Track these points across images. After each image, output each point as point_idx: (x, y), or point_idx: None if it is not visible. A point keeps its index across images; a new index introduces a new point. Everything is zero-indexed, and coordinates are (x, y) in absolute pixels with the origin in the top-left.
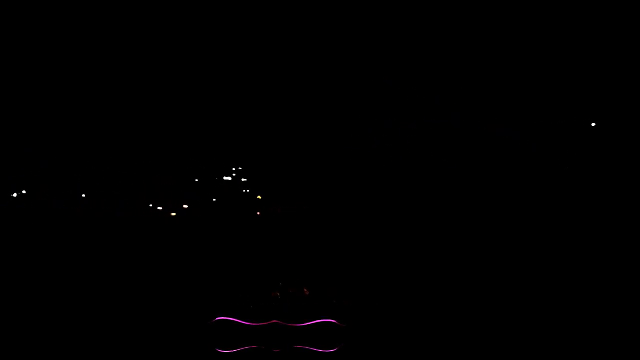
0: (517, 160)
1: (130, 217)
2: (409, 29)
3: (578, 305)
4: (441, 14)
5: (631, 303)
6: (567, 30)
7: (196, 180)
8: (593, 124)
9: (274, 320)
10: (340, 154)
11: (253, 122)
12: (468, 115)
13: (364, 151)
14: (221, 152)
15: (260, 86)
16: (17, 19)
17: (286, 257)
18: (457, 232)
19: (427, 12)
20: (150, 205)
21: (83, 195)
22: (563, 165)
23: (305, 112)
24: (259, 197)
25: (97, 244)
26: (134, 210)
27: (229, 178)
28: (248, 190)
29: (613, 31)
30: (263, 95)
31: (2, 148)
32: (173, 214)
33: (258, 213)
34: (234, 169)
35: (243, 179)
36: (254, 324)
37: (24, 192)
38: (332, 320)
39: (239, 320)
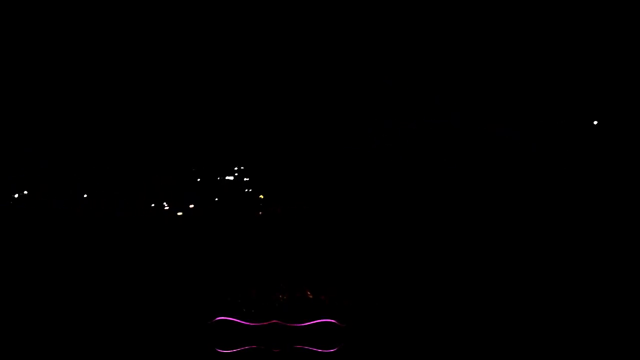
0: (517, 160)
1: (130, 217)
2: (408, 29)
3: (578, 304)
4: (441, 14)
5: (631, 303)
6: (567, 30)
7: (196, 180)
8: (595, 122)
9: (274, 320)
10: (340, 154)
11: (253, 122)
12: (468, 115)
13: (364, 151)
14: (221, 152)
15: (260, 86)
16: (17, 19)
17: (286, 257)
18: (457, 232)
19: (426, 12)
20: (151, 205)
21: (84, 196)
22: (564, 164)
23: (305, 112)
24: (261, 196)
25: (97, 244)
26: (134, 210)
27: (229, 178)
28: (248, 190)
29: (613, 31)
30: (263, 95)
31: (2, 148)
32: (179, 213)
33: (260, 213)
34: (234, 169)
35: (243, 179)
36: (254, 324)
37: (24, 192)
38: (332, 320)
39: (239, 320)
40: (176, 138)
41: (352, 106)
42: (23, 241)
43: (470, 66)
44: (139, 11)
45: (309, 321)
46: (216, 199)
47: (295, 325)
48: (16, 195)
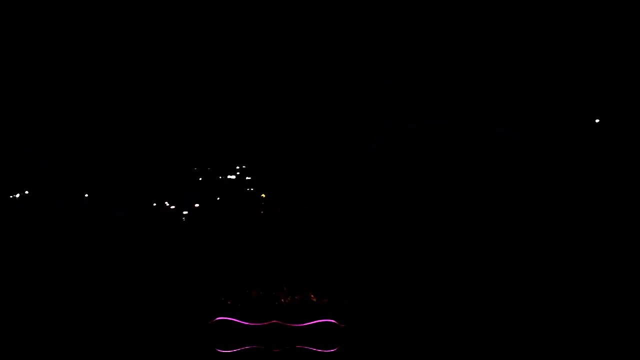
0: (517, 160)
1: (130, 217)
2: (408, 29)
3: (577, 303)
4: (441, 14)
5: (630, 302)
6: (567, 30)
7: (195, 180)
8: (597, 120)
9: (274, 321)
10: (340, 154)
11: (253, 123)
12: (468, 115)
13: (364, 151)
14: (221, 152)
15: (260, 86)
16: (17, 19)
17: (287, 257)
18: (456, 231)
19: (426, 12)
20: (151, 205)
21: (83, 195)
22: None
23: (306, 112)
24: (263, 194)
25: (97, 244)
26: (134, 210)
27: (229, 178)
28: (248, 191)
29: (613, 32)
30: (263, 96)
31: (2, 148)
32: (185, 212)
33: (262, 212)
34: (234, 169)
35: (243, 179)
36: (254, 324)
37: (24, 192)
38: (332, 320)
39: (239, 321)
40: (176, 138)
41: (352, 106)
42: (23, 241)
43: (470, 66)
44: (139, 12)
45: (309, 321)
46: (216, 199)
47: (295, 325)
48: (17, 195)
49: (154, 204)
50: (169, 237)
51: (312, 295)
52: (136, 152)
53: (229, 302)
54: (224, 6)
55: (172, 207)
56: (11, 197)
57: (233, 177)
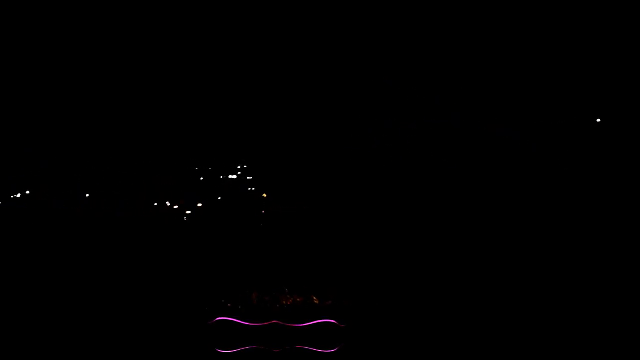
0: (517, 160)
1: (130, 217)
2: (408, 29)
3: (577, 303)
4: (441, 14)
5: (630, 302)
6: (567, 30)
7: (195, 181)
8: (598, 120)
9: (274, 321)
10: (340, 154)
11: (252, 123)
12: (468, 115)
13: (364, 151)
14: (221, 152)
15: (260, 87)
16: (17, 19)
17: (287, 257)
18: (456, 232)
19: (426, 12)
20: (151, 205)
21: (83, 195)
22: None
23: (306, 112)
24: (264, 194)
25: (97, 244)
26: (134, 210)
27: (229, 178)
28: (248, 191)
29: (612, 32)
30: (263, 96)
31: (2, 148)
32: (185, 212)
33: (262, 212)
34: (234, 169)
35: (243, 180)
36: (254, 324)
37: (25, 192)
38: (332, 321)
39: (239, 321)
40: (176, 139)
41: (352, 106)
42: (23, 241)
43: (470, 66)
44: (138, 12)
45: (309, 321)
46: (216, 199)
47: (295, 325)
48: (17, 195)
49: (154, 204)
50: (169, 237)
51: (314, 298)
52: (136, 152)
53: (229, 305)
54: (224, 6)
55: (172, 207)
56: (11, 197)
57: (233, 177)
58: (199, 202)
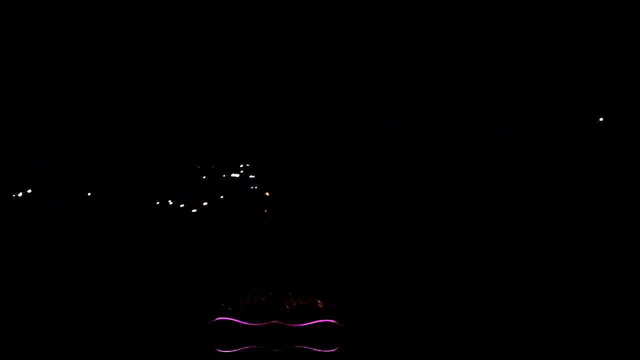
0: (517, 160)
1: (130, 217)
2: (408, 29)
3: (577, 304)
4: (441, 14)
5: (630, 302)
6: (567, 30)
7: (195, 181)
8: (601, 119)
9: (274, 321)
10: (340, 154)
11: (252, 123)
12: (468, 115)
13: (364, 151)
14: (221, 153)
15: (260, 87)
16: (17, 19)
17: (287, 257)
18: (456, 232)
19: (426, 12)
20: (151, 205)
21: (84, 195)
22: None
23: (306, 112)
24: (267, 193)
25: (97, 244)
26: (134, 210)
27: (229, 178)
28: (248, 191)
29: (612, 32)
30: (263, 96)
31: (2, 148)
32: (185, 212)
33: (264, 212)
34: (234, 169)
35: (243, 180)
36: (254, 324)
37: (24, 192)
38: (332, 321)
39: (239, 321)
40: (176, 139)
41: (352, 106)
42: (23, 241)
43: (469, 66)
44: (138, 12)
45: (309, 321)
46: (216, 200)
47: (295, 325)
48: (17, 195)
49: (154, 204)
50: (169, 237)
51: (319, 302)
52: (136, 152)
53: (229, 309)
54: (224, 6)
55: (173, 207)
56: (11, 196)
57: (233, 177)
58: (199, 202)
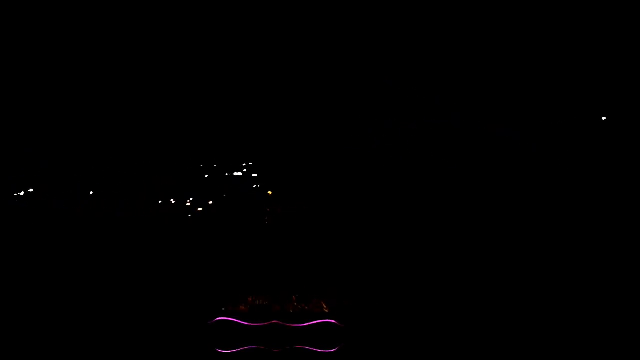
0: (517, 160)
1: (130, 217)
2: (408, 29)
3: (577, 304)
4: (441, 15)
5: (631, 302)
6: (567, 31)
7: (195, 181)
8: (604, 118)
9: (274, 321)
10: (341, 154)
11: (252, 123)
12: (468, 115)
13: (364, 151)
14: (220, 153)
15: (261, 87)
16: (17, 19)
17: (287, 258)
18: (456, 232)
19: (426, 13)
20: (151, 205)
21: (84, 195)
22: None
23: (306, 112)
24: (269, 192)
25: (97, 244)
26: (134, 210)
27: (229, 179)
28: (247, 192)
29: (612, 33)
30: (263, 96)
31: (2, 148)
32: (188, 212)
33: (265, 211)
34: (234, 169)
35: (243, 180)
36: (254, 324)
37: (25, 192)
38: (332, 321)
39: (239, 321)
40: (176, 139)
41: (352, 106)
42: (24, 240)
43: (469, 66)
44: (139, 12)
45: (309, 321)
46: (216, 200)
47: (295, 325)
48: (17, 195)
49: (154, 204)
50: (169, 237)
51: (324, 305)
52: (136, 152)
53: (230, 308)
54: (225, 6)
55: (172, 207)
56: (11, 197)
57: (233, 177)
58: (199, 203)
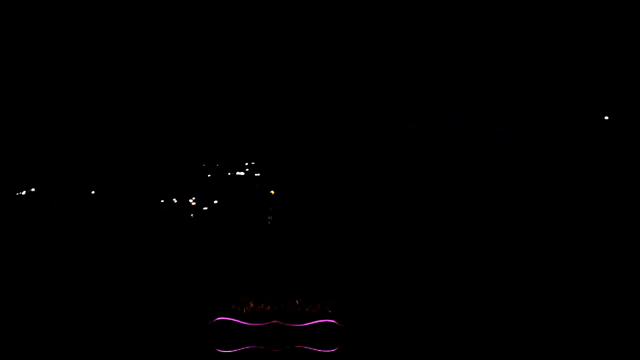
0: (517, 160)
1: (130, 217)
2: (408, 29)
3: (577, 304)
4: (441, 14)
5: (630, 302)
6: (567, 31)
7: (195, 181)
8: (606, 117)
9: (274, 321)
10: (341, 154)
11: (251, 123)
12: (468, 115)
13: (364, 151)
14: (219, 153)
15: (261, 87)
16: (17, 19)
17: (288, 258)
18: (456, 232)
19: (426, 13)
20: (151, 205)
21: (84, 195)
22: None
23: (306, 113)
24: (272, 191)
25: (97, 244)
26: (134, 210)
27: (229, 179)
28: (247, 192)
29: (612, 32)
30: (263, 97)
31: (2, 148)
32: (205, 208)
33: (271, 209)
34: (234, 169)
35: (243, 180)
36: (254, 324)
37: (25, 192)
38: (332, 321)
39: (239, 321)
40: (176, 139)
41: (352, 106)
42: (24, 240)
43: (469, 66)
44: (138, 12)
45: (309, 321)
46: (216, 200)
47: (295, 325)
48: (17, 195)
49: (154, 204)
50: (169, 237)
51: (328, 309)
52: (136, 152)
53: (231, 306)
54: (225, 6)
55: (172, 207)
56: (11, 197)
57: (233, 177)
58: (199, 203)
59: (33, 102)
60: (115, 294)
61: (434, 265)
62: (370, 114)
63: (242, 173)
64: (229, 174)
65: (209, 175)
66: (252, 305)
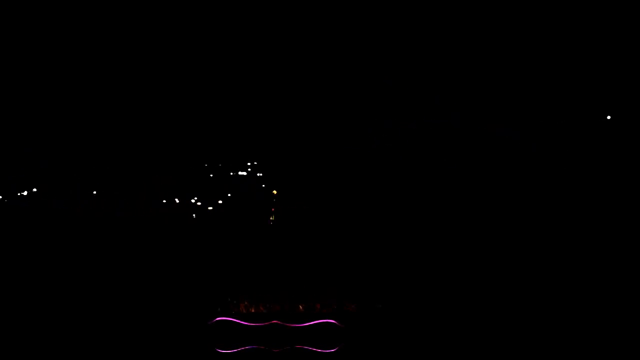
0: (517, 160)
1: (130, 217)
2: (408, 29)
3: (577, 304)
4: (441, 14)
5: (630, 302)
6: (567, 30)
7: (195, 181)
8: (609, 117)
9: (274, 321)
10: (341, 154)
11: (251, 123)
12: (468, 115)
13: (364, 151)
14: (219, 153)
15: (259, 87)
16: (17, 19)
17: (288, 258)
18: (457, 232)
19: (426, 12)
20: (151, 205)
21: (84, 195)
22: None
23: (305, 112)
24: (274, 191)
25: (97, 244)
26: (134, 210)
27: (229, 179)
28: (247, 192)
29: (612, 32)
30: (261, 96)
31: (2, 148)
32: (210, 208)
33: (273, 209)
34: (234, 169)
35: (243, 180)
36: (254, 324)
37: (25, 192)
38: (332, 321)
39: (239, 321)
40: (176, 139)
41: (352, 106)
42: (24, 240)
43: (469, 66)
44: (138, 12)
45: (309, 321)
46: (216, 200)
47: (295, 325)
48: (17, 195)
49: (154, 204)
50: (169, 237)
51: (329, 310)
52: (136, 152)
53: (231, 307)
54: (224, 6)
55: (172, 207)
56: (11, 196)
57: (233, 177)
58: (199, 203)
59: (33, 102)
60: (115, 294)
61: (434, 265)
62: (370, 114)
63: (243, 173)
64: (229, 174)
65: (209, 175)
66: (252, 305)
